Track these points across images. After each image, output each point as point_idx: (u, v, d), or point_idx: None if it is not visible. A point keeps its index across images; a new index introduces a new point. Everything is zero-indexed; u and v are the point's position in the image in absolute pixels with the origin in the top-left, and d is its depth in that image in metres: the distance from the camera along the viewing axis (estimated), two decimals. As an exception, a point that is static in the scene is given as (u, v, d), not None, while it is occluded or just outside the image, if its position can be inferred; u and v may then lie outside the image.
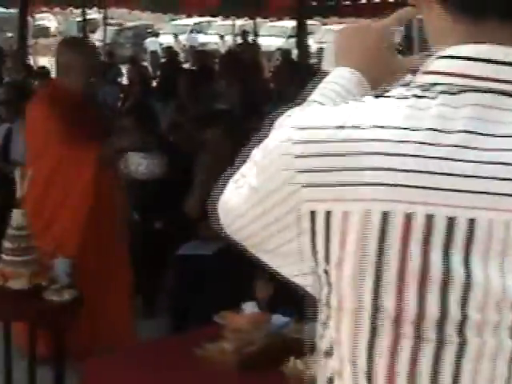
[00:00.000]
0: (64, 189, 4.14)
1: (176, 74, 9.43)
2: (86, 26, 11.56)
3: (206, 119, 5.21)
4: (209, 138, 4.71)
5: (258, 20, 15.51)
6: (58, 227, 4.17)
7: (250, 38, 14.83)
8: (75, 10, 15.31)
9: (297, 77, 8.95)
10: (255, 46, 14.15)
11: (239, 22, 17.74)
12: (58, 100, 4.07)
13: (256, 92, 7.87)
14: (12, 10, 14.42)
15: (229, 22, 17.76)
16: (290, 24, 17.71)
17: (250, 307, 3.28)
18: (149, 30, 23.55)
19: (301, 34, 9.63)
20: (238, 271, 4.34)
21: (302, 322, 3.16)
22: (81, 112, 4.13)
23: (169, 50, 14.38)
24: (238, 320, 3.15)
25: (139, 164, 4.17)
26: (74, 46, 4.38)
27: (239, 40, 17.37)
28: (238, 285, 4.21)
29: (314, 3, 11.48)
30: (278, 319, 3.24)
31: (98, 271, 4.15)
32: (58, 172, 4.12)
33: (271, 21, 15.72)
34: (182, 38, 21.70)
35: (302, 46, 9.52)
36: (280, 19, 15.10)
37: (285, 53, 13.40)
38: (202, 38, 22.24)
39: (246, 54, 13.16)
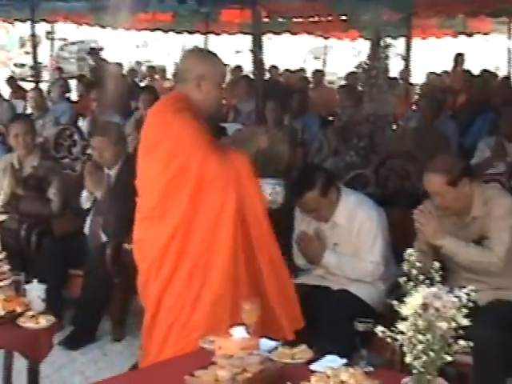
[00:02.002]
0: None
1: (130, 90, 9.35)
2: (35, 39, 11.36)
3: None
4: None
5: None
6: None
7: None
8: (18, 24, 15.06)
9: (253, 93, 8.95)
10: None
11: (187, 38, 17.64)
12: (194, 114, 3.70)
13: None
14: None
15: (175, 37, 17.64)
16: (235, 39, 17.72)
17: (238, 332, 3.19)
18: (93, 45, 23.35)
19: (256, 49, 9.57)
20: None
21: (289, 346, 3.13)
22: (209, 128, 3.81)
23: (118, 65, 14.23)
24: (229, 345, 3.05)
25: (263, 190, 3.86)
26: (209, 57, 3.87)
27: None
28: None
29: (266, 19, 11.51)
30: (266, 344, 3.17)
31: None
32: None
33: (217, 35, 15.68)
34: (127, 53, 21.55)
35: (257, 61, 9.47)
36: (232, 35, 15.08)
37: (237, 69, 13.41)
38: (148, 54, 22.16)
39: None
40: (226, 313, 3.61)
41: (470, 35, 15.11)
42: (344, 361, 2.98)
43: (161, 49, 22.63)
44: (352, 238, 4.22)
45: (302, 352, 3.08)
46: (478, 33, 15.05)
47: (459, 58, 13.65)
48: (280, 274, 3.73)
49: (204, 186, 3.64)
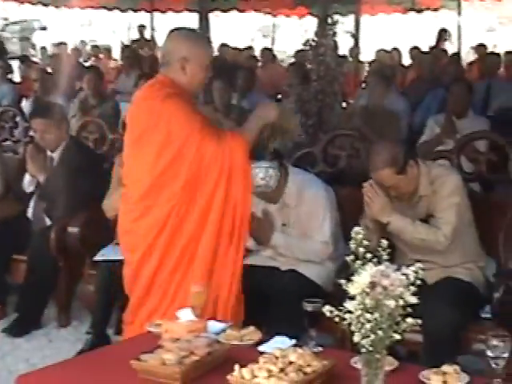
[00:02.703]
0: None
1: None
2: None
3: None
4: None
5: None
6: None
7: (147, 33, 14.62)
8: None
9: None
10: (153, 41, 13.91)
11: (132, 16, 17.40)
12: (184, 97, 3.57)
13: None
14: None
15: (120, 15, 17.39)
16: (182, 17, 17.51)
17: (185, 315, 3.14)
18: (37, 24, 22.90)
19: (202, 27, 9.51)
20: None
21: (237, 328, 3.09)
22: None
23: (62, 45, 14.00)
24: (175, 329, 3.01)
25: (256, 174, 3.73)
26: (194, 37, 3.68)
27: (132, 35, 17.07)
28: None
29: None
30: (214, 326, 3.13)
31: None
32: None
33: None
34: (72, 32, 21.20)
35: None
36: (178, 13, 14.89)
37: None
38: (92, 33, 21.84)
39: (144, 49, 12.96)
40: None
41: (419, 11, 15.17)
42: (293, 342, 2.96)
43: (106, 27, 22.30)
44: (300, 218, 4.19)
45: (251, 333, 3.06)
46: (428, 9, 15.11)
47: (442, 33, 13.67)
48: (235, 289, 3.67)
49: (200, 172, 3.52)
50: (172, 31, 3.76)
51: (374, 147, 3.99)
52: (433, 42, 13.45)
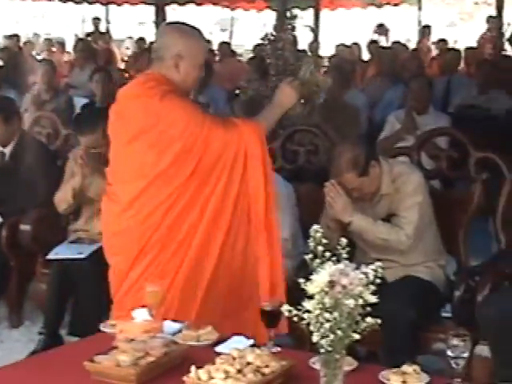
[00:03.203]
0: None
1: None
2: None
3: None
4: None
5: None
6: None
7: (102, 26, 14.46)
8: None
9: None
10: (108, 34, 13.78)
11: (86, 8, 17.17)
12: (181, 93, 3.46)
13: (117, 82, 7.59)
14: None
15: (74, 7, 17.14)
16: (138, 10, 17.40)
17: (141, 314, 3.07)
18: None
19: (159, 21, 9.41)
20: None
21: (194, 328, 3.03)
22: None
23: (14, 37, 13.75)
24: (130, 329, 2.93)
25: None
26: (189, 33, 3.51)
27: (86, 28, 16.89)
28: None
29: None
30: (170, 326, 3.06)
31: None
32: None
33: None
34: (24, 24, 20.95)
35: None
36: (134, 5, 14.75)
37: (141, 41, 13.16)
38: (46, 25, 21.59)
39: (98, 43, 12.82)
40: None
41: (379, 6, 15.24)
42: (251, 342, 2.91)
43: (59, 20, 21.99)
44: (259, 216, 4.13)
45: (208, 334, 3.00)
46: (388, 4, 15.19)
47: (426, 29, 13.71)
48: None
49: (207, 164, 3.41)
50: (167, 25, 3.65)
51: (335, 151, 3.97)
52: (394, 37, 13.55)
